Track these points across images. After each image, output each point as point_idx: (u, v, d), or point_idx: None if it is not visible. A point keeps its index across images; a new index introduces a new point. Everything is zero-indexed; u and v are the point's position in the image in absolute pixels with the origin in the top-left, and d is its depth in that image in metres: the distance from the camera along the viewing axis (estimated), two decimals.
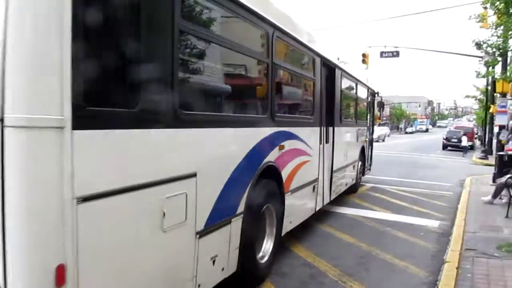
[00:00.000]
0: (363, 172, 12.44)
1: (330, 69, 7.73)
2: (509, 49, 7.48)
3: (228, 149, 3.99)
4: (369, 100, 12.95)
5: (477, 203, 11.00)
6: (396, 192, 12.91)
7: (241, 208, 4.16)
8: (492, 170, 14.71)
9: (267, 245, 5.07)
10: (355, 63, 10.70)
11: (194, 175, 3.33)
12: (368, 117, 13.08)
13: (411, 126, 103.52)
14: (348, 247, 7.22)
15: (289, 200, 5.65)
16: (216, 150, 3.76)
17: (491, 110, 26.36)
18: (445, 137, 40.86)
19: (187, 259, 3.33)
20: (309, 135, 6.58)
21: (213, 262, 3.73)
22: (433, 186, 14.43)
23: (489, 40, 7.12)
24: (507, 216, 9.41)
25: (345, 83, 9.14)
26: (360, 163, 11.70)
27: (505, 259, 6.46)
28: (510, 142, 26.05)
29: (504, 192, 10.66)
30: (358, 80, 10.65)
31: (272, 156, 4.94)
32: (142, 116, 2.73)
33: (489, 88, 28.26)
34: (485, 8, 7.22)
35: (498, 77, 8.24)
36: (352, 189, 11.15)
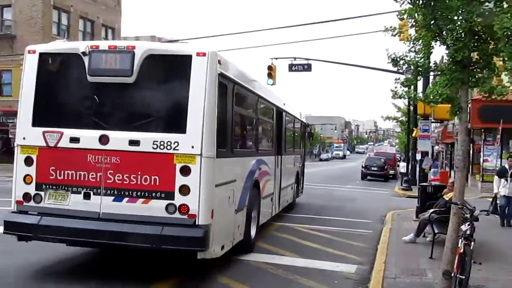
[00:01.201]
0: (297, 194, 18.29)
1: (279, 113, 13.79)
2: (431, 68, 8.15)
3: (244, 168, 9.49)
4: (301, 131, 19.07)
5: (399, 243, 11.74)
6: (307, 231, 13.38)
7: (246, 202, 9.53)
8: (416, 203, 15.68)
9: (253, 228, 10.45)
10: (260, 78, 12.44)
11: (235, 180, 8.69)
12: (301, 146, 19.20)
13: (327, 152, 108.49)
14: None
15: (262, 203, 11.36)
16: (240, 168, 9.21)
17: (413, 134, 28.43)
18: (364, 165, 43.20)
19: (232, 223, 8.58)
20: (270, 161, 12.26)
21: (238, 228, 9.08)
22: (350, 224, 15.20)
23: (406, 56, 7.71)
24: (431, 257, 10.12)
25: (288, 121, 15.32)
26: (296, 185, 17.62)
27: None
28: (432, 171, 28.29)
29: (428, 229, 11.45)
30: (295, 117, 16.97)
31: (257, 174, 10.48)
32: (225, 152, 8.07)
33: (411, 109, 30.63)
34: (402, 19, 7.83)
35: (418, 98, 8.94)
36: (290, 207, 16.83)
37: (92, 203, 7.61)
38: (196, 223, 7.31)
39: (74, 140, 7.78)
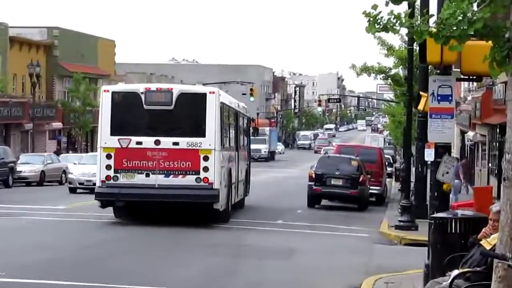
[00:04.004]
0: (245, 193, 50.46)
1: (236, 114, 51.38)
2: None
3: (226, 159, 46.07)
4: (247, 127, 55.92)
5: None
6: None
7: (227, 183, 44.38)
8: (425, 257, 16.18)
9: (230, 204, 44.62)
10: None
11: (224, 166, 45.42)
12: (247, 143, 55.25)
13: None
14: None
15: (232, 188, 48.44)
16: (226, 158, 45.84)
17: (419, 107, 28.75)
18: (314, 174, 44.69)
19: (224, 194, 42.75)
20: (233, 155, 49.74)
21: (225, 199, 43.28)
22: None
23: None
24: None
25: (240, 120, 53.17)
26: (245, 183, 51.25)
27: None
28: (454, 185, 28.43)
29: None
30: (244, 114, 53.69)
31: (230, 164, 47.28)
32: (222, 148, 44.21)
33: (416, 50, 31.14)
34: None
35: (426, 30, 8.85)
36: (240, 205, 47.30)
37: (151, 179, 35.83)
38: (213, 188, 35.91)
39: (139, 143, 35.96)
